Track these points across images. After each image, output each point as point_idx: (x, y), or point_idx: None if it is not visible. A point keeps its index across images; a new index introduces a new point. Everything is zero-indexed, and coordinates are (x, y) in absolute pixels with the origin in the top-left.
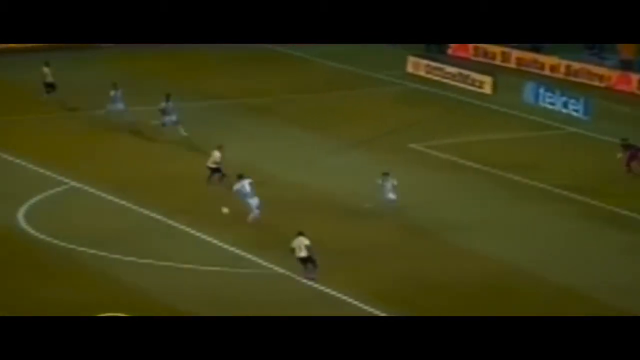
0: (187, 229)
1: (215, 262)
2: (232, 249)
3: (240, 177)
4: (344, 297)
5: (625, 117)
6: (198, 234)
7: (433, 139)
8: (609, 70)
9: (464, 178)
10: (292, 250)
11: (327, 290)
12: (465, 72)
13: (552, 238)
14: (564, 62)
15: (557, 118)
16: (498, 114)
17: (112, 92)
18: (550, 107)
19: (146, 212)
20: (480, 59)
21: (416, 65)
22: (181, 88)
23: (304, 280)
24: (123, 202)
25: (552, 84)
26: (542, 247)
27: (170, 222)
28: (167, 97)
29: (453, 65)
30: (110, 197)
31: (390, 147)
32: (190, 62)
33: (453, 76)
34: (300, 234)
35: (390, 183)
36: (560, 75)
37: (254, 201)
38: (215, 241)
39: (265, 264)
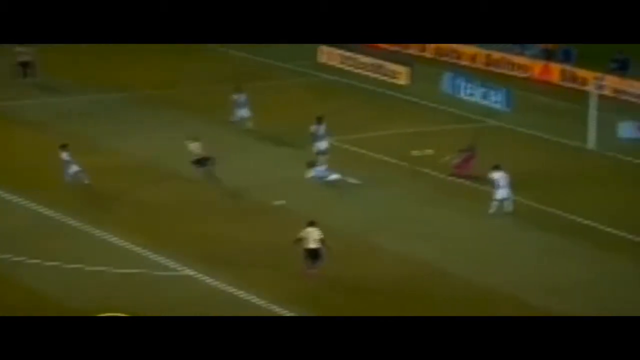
0: (86, 229)
1: (119, 264)
2: (136, 249)
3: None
4: (253, 299)
5: (547, 109)
6: (99, 233)
7: (346, 132)
8: (530, 60)
9: (378, 174)
10: (299, 240)
11: (236, 291)
12: (380, 62)
13: (472, 237)
14: (483, 52)
15: (477, 110)
16: (414, 106)
17: (235, 97)
18: (469, 98)
19: (43, 210)
20: (396, 48)
21: (329, 55)
22: (85, 80)
23: (210, 281)
24: (17, 200)
25: (471, 75)
26: (461, 247)
27: (67, 221)
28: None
29: (367, 55)
30: (2, 194)
31: (302, 141)
32: (94, 53)
33: (367, 66)
34: (312, 224)
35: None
36: (480, 65)
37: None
38: (117, 241)
39: (170, 264)
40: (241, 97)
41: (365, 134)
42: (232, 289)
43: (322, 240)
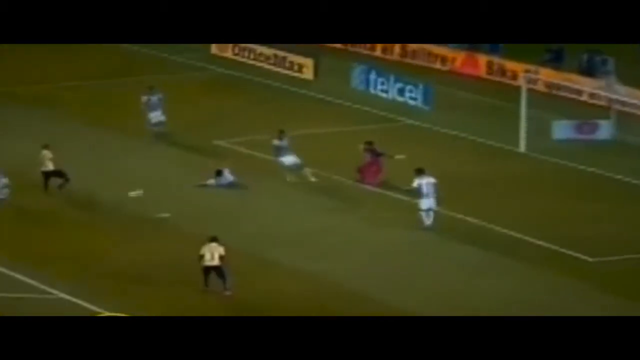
0: None
1: None
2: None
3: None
4: None
5: (472, 106)
6: None
7: (243, 134)
8: (452, 51)
9: (280, 182)
10: (200, 257)
11: (116, 315)
12: (281, 53)
13: (380, 252)
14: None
15: (392, 108)
16: (321, 104)
17: (145, 97)
18: (383, 95)
19: None
20: None
21: (223, 46)
22: None
23: (86, 305)
24: None
25: (385, 68)
26: (367, 263)
27: None
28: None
29: (268, 46)
30: None
31: (193, 144)
32: None
33: (267, 59)
34: (214, 239)
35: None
36: (394, 57)
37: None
38: None
39: (39, 286)
40: (153, 98)
41: (263, 135)
42: (110, 314)
43: (222, 257)
